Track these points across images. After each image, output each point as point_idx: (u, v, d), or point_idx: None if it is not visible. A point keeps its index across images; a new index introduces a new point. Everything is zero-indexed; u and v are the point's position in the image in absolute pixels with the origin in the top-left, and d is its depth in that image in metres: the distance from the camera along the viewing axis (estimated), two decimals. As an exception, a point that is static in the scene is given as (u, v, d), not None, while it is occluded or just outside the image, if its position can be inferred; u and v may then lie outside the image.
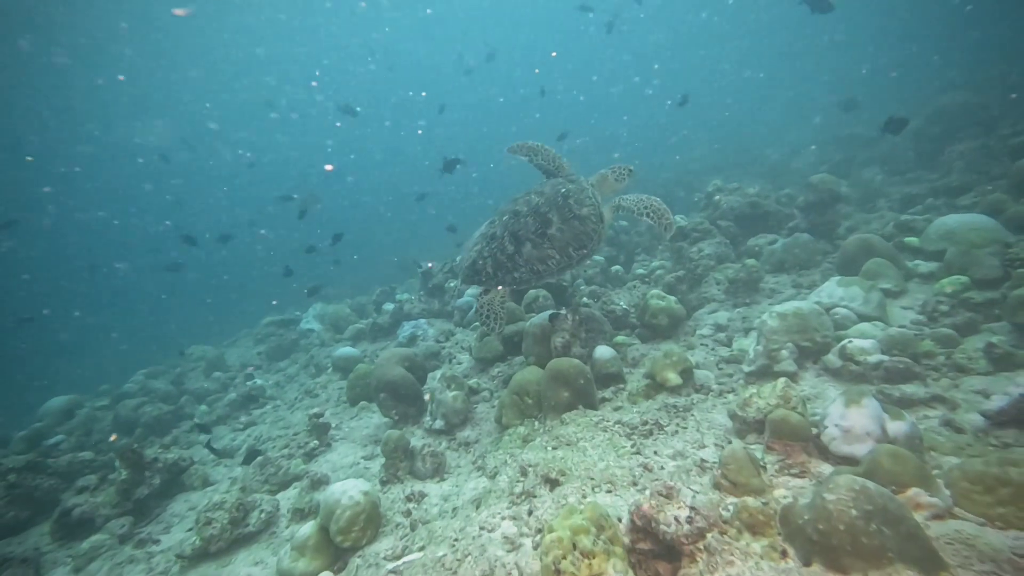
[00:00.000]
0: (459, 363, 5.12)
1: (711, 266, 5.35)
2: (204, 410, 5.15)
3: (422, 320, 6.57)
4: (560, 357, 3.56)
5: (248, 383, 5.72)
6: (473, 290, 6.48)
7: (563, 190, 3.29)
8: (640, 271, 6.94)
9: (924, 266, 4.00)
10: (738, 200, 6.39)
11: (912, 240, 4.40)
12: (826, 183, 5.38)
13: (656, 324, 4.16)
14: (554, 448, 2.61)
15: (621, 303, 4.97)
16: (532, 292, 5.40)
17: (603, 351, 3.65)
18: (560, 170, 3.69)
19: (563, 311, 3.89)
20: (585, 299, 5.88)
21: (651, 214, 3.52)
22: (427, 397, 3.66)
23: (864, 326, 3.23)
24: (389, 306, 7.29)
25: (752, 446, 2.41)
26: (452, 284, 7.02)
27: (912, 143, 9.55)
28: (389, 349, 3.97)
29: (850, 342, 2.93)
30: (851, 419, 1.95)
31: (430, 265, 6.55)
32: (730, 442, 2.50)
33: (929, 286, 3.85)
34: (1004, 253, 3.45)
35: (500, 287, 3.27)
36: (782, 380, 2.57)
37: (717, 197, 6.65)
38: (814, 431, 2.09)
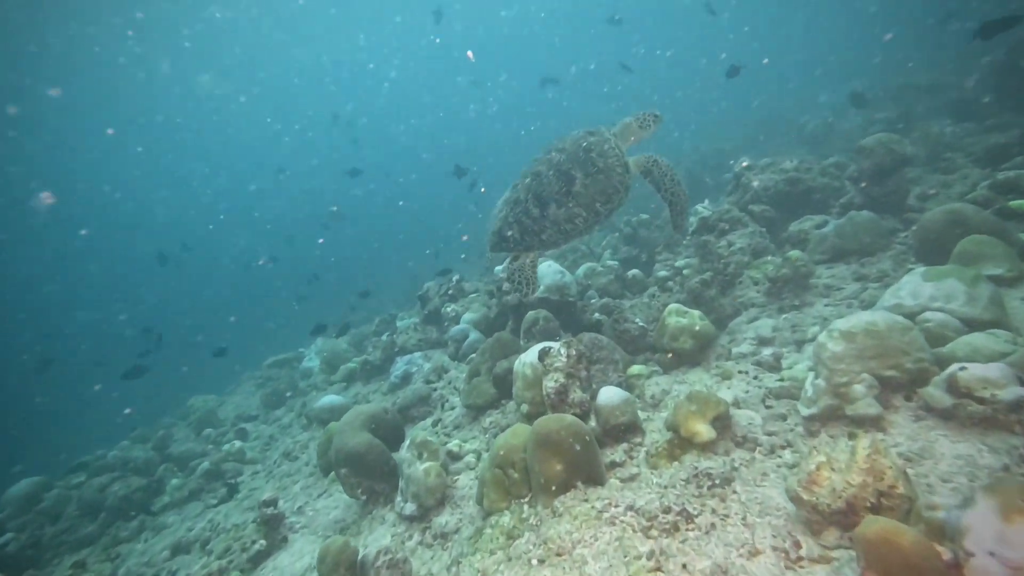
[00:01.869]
0: (452, 408, 4.54)
1: (745, 262, 4.51)
2: (176, 484, 4.86)
3: (417, 354, 6.06)
4: (553, 409, 2.90)
5: (224, 448, 5.40)
6: (469, 316, 5.91)
7: (584, 144, 3.23)
8: (663, 273, 6.11)
9: (1049, 239, 3.02)
10: (773, 178, 5.49)
11: (1020, 204, 3.40)
12: (884, 144, 4.42)
13: (679, 348, 3.39)
14: (540, 562, 1.94)
15: (637, 320, 4.22)
16: (531, 315, 4.74)
17: (610, 395, 2.94)
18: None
19: (555, 343, 3.22)
20: (597, 315, 5.17)
21: (671, 203, 3.35)
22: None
23: (977, 338, 2.35)
24: (384, 338, 6.86)
25: (834, 553, 1.64)
26: (449, 309, 6.50)
27: (992, 82, 8.16)
28: (354, 408, 3.44)
29: (963, 368, 2.08)
30: (1019, 542, 1.16)
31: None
32: (797, 543, 1.74)
33: (1061, 266, 2.88)
34: None
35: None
36: (866, 441, 1.79)
37: (747, 178, 5.77)
38: (945, 554, 1.30)
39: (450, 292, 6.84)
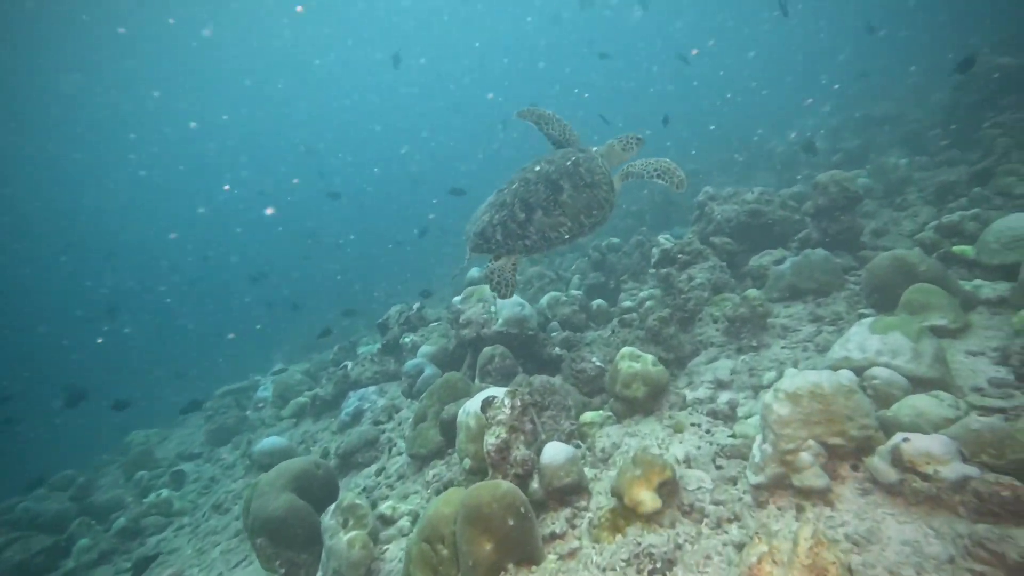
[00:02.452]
0: (400, 453, 4.26)
1: (704, 298, 4.46)
2: (84, 545, 4.33)
3: (371, 389, 5.76)
4: (493, 468, 2.69)
5: (148, 500, 4.92)
6: (426, 349, 5.66)
7: (573, 158, 3.35)
8: (627, 303, 6.07)
9: (988, 287, 3.06)
10: (735, 209, 5.53)
11: (965, 249, 3.47)
12: (837, 181, 4.50)
13: (631, 396, 3.25)
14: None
15: (595, 359, 4.09)
16: (487, 351, 4.56)
17: (555, 453, 2.76)
18: (569, 141, 3.68)
19: (501, 391, 3.03)
20: (557, 350, 5.02)
21: (661, 174, 3.47)
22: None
23: (921, 400, 2.30)
24: (337, 370, 6.50)
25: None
26: (407, 340, 6.23)
27: (941, 117, 8.63)
28: (279, 466, 3.14)
29: (906, 440, 2.00)
30: None
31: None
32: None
33: (1002, 318, 2.90)
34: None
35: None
36: (808, 531, 1.67)
37: (709, 207, 5.81)
38: None
39: (409, 320, 6.60)
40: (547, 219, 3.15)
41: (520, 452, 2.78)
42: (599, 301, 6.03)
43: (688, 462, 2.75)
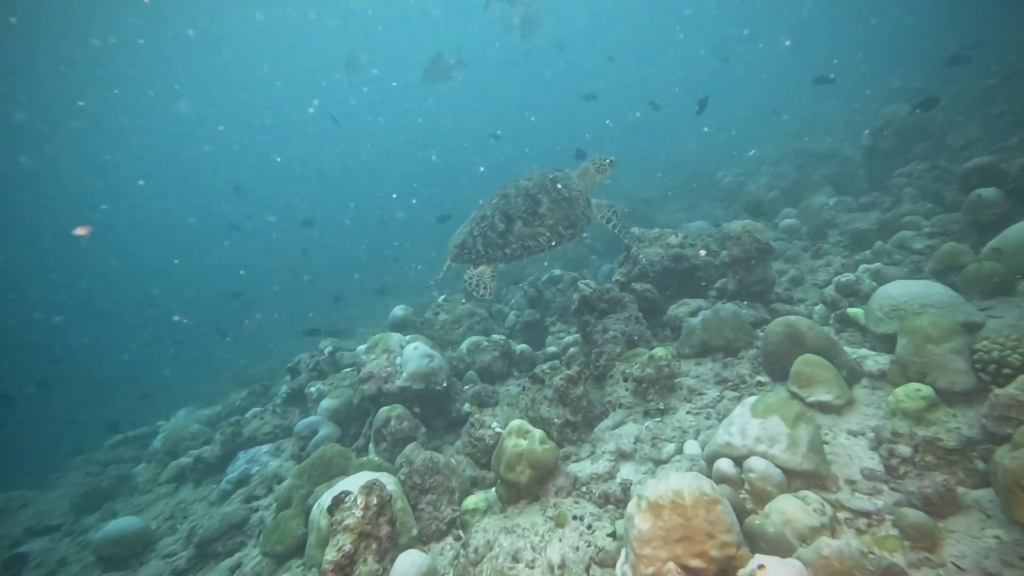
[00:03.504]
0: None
1: (617, 353, 4.32)
2: None
3: (264, 449, 5.19)
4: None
5: None
6: (328, 403, 5.20)
7: (551, 176, 3.67)
8: (552, 348, 5.90)
9: (873, 359, 3.05)
10: (659, 252, 5.52)
11: (857, 312, 3.50)
12: (749, 232, 4.55)
13: (514, 480, 2.97)
14: None
15: (494, 424, 3.81)
16: (383, 413, 4.18)
17: (407, 566, 2.43)
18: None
19: (354, 488, 2.68)
20: (467, 406, 4.72)
21: (623, 235, 4.03)
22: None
23: (789, 504, 2.16)
24: (229, 425, 5.86)
25: None
26: (313, 390, 5.73)
27: (863, 160, 9.24)
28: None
29: (761, 567, 1.82)
30: None
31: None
32: None
33: (884, 392, 2.89)
34: (972, 351, 2.52)
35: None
36: None
37: (636, 249, 5.78)
38: None
39: (319, 366, 6.11)
40: (526, 229, 3.42)
41: (367, 567, 2.43)
42: (523, 346, 5.82)
43: (563, 568, 2.49)
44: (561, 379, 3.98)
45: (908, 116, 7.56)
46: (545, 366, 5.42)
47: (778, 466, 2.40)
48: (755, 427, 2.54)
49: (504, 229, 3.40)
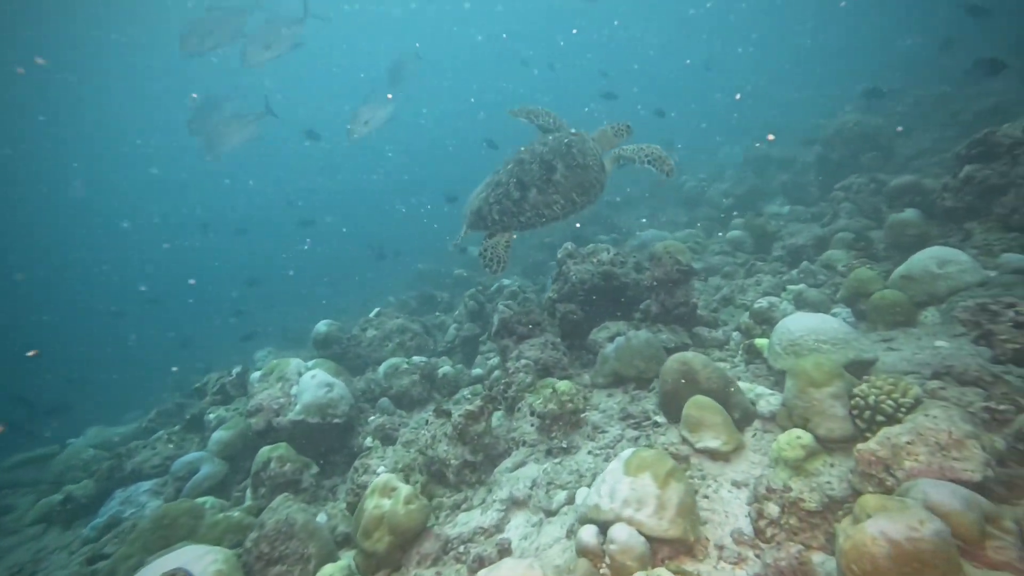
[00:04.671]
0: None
1: (527, 384, 4.12)
2: None
3: (143, 486, 4.78)
4: None
5: None
6: (220, 435, 4.83)
7: (566, 140, 3.67)
8: (477, 370, 5.68)
9: (766, 399, 2.94)
10: (589, 270, 5.35)
11: (763, 344, 3.39)
12: (671, 253, 4.43)
13: (370, 549, 2.71)
14: None
15: (380, 470, 3.55)
16: (264, 452, 3.86)
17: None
18: (559, 128, 3.95)
19: (192, 567, 2.38)
20: (369, 440, 4.45)
21: (651, 161, 3.73)
22: None
23: (637, 584, 1.98)
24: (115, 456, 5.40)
25: None
26: (212, 416, 5.33)
27: (815, 170, 9.36)
28: None
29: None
30: None
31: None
32: None
33: (774, 436, 2.76)
34: (851, 395, 2.41)
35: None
36: None
37: (567, 265, 5.61)
38: None
39: (224, 388, 5.72)
40: (541, 197, 3.49)
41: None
42: (446, 368, 5.57)
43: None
44: (460, 415, 3.75)
45: (855, 125, 7.65)
46: (467, 391, 5.20)
47: (643, 533, 2.23)
48: (625, 487, 2.36)
49: (519, 197, 3.50)
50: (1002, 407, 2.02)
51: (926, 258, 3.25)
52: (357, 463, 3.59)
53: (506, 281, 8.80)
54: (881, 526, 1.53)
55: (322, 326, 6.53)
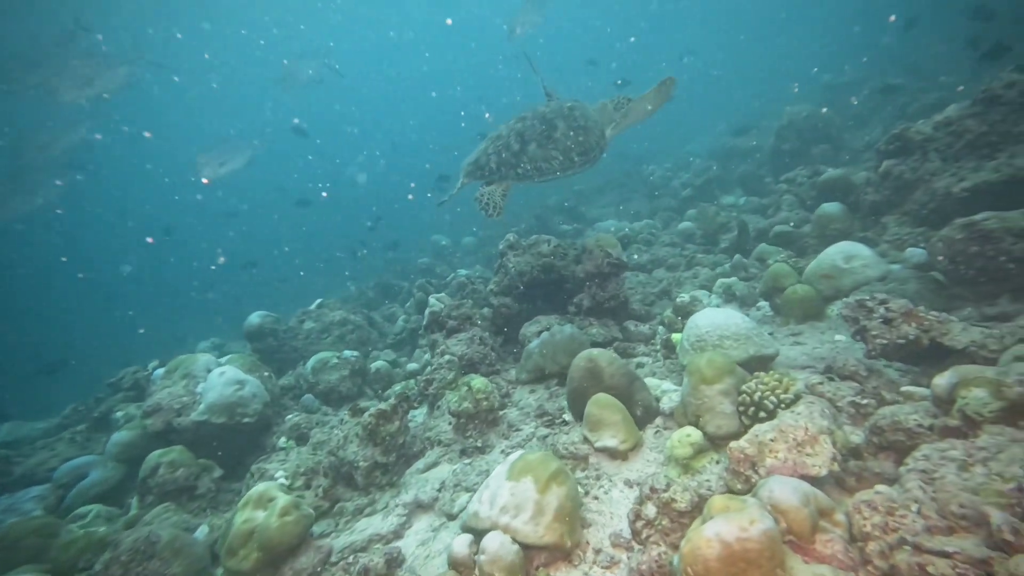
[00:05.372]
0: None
1: (448, 381, 4.01)
2: None
3: (32, 492, 4.41)
4: None
5: None
6: (121, 435, 4.53)
7: (569, 104, 3.81)
8: (413, 366, 5.52)
9: (669, 397, 2.91)
10: (530, 262, 5.23)
11: (678, 339, 3.36)
12: (601, 246, 4.35)
13: (235, 569, 2.53)
14: None
15: (279, 475, 3.38)
16: (153, 457, 3.61)
17: None
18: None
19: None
20: (283, 440, 4.26)
21: (652, 96, 3.79)
22: None
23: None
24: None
25: None
26: (120, 415, 5.01)
27: (769, 162, 9.49)
28: None
29: None
30: None
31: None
32: None
33: (668, 434, 2.74)
34: (740, 392, 2.39)
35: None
36: None
37: (507, 256, 5.48)
38: None
39: (138, 384, 5.39)
40: (540, 151, 3.62)
41: None
42: (380, 363, 5.40)
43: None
44: (370, 415, 3.60)
45: (807, 117, 7.75)
46: (398, 387, 5.05)
47: (519, 541, 2.15)
48: (505, 492, 2.28)
49: (518, 149, 3.61)
50: (864, 401, 2.02)
51: (834, 253, 3.28)
52: (254, 468, 3.40)
53: (462, 272, 8.63)
54: (717, 527, 1.49)
55: (255, 317, 6.23)
